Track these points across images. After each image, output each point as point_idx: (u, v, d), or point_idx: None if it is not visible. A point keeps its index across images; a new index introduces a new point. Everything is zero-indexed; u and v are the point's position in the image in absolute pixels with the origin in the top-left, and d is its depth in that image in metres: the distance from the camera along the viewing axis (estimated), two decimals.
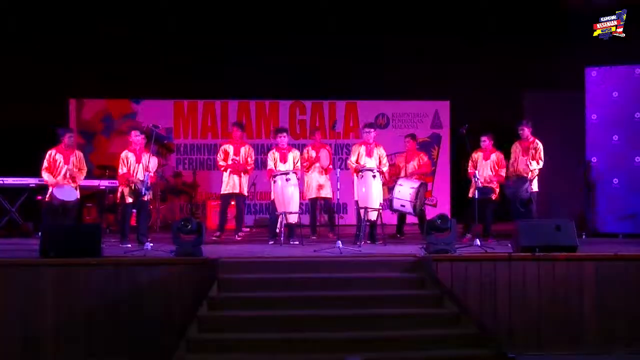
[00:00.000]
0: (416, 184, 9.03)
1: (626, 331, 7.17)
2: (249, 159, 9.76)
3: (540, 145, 9.22)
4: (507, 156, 9.46)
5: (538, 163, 9.17)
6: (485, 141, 9.39)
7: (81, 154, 9.39)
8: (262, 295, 6.80)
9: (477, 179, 8.69)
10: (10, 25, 11.82)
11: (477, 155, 9.39)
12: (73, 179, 9.05)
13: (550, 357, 6.97)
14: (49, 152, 9.07)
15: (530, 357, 6.90)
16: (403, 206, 9.00)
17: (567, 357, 6.99)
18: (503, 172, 9.31)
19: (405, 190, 8.97)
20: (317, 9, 12.18)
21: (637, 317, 7.17)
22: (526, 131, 9.29)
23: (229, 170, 9.66)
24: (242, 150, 9.80)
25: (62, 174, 9.00)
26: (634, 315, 7.18)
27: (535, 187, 9.18)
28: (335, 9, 12.22)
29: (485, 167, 9.28)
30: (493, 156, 9.37)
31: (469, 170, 9.37)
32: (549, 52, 11.92)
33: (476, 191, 8.71)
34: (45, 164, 9.01)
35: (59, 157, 9.04)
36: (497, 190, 9.29)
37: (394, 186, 9.13)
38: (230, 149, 9.79)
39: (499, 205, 9.47)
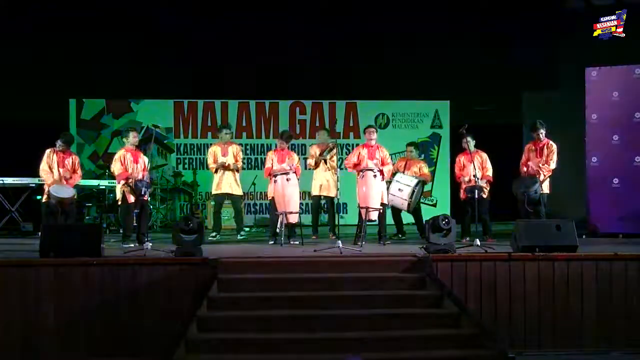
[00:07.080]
0: (416, 178, 9.23)
1: (626, 331, 7.16)
2: (237, 158, 9.79)
3: (554, 147, 9.10)
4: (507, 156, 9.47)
5: (550, 164, 9.04)
6: (469, 142, 9.31)
7: (77, 157, 9.40)
8: (262, 295, 6.79)
9: (477, 178, 8.71)
10: (11, 25, 11.82)
11: (462, 158, 9.41)
12: (67, 180, 9.02)
13: (550, 357, 6.97)
14: (47, 152, 9.06)
15: (530, 357, 6.90)
16: (401, 190, 9.01)
17: (567, 357, 6.98)
18: (489, 172, 9.29)
19: (407, 177, 9.12)
20: (317, 9, 12.19)
21: (637, 317, 7.16)
22: (540, 132, 9.12)
23: (219, 171, 9.68)
24: (230, 150, 9.84)
25: (58, 174, 8.98)
26: (634, 315, 7.17)
27: (546, 188, 9.08)
28: (335, 9, 12.23)
29: (471, 168, 9.21)
30: (477, 157, 9.33)
31: (456, 173, 9.46)
32: (549, 52, 11.92)
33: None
34: (44, 162, 9.00)
35: (56, 158, 9.05)
36: (487, 188, 9.24)
37: (395, 173, 9.26)
38: (218, 150, 9.84)
39: (492, 204, 9.43)
